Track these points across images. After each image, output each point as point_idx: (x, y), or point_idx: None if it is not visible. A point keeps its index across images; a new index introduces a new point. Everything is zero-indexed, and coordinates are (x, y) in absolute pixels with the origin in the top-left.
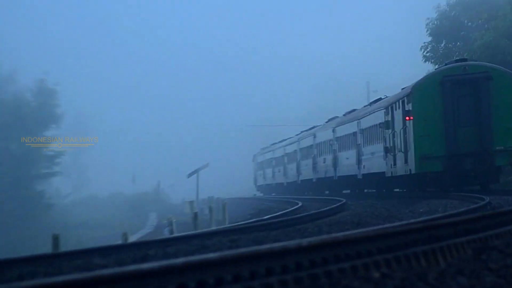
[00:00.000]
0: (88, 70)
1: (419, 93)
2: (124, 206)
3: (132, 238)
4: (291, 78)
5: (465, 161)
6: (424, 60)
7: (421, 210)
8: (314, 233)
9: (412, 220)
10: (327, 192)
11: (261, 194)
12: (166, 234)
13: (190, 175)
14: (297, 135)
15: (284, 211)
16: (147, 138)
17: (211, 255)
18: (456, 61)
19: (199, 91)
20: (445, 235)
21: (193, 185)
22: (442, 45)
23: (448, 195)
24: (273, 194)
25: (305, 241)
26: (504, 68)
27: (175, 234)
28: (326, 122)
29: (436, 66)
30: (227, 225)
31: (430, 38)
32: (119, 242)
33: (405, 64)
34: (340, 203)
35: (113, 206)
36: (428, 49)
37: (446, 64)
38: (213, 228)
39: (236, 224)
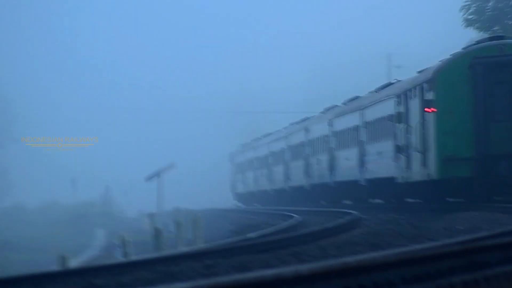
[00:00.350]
0: (19, 58)
1: (443, 78)
2: (61, 220)
3: (74, 263)
4: (285, 55)
5: (500, 164)
6: (465, 25)
7: (459, 227)
8: (316, 257)
9: (448, 241)
10: (322, 202)
11: (241, 205)
12: (118, 258)
13: (149, 178)
14: (285, 128)
15: (276, 228)
16: (95, 131)
17: (181, 286)
18: (490, 38)
19: (164, 70)
20: (492, 261)
21: (154, 192)
22: (490, 4)
23: (493, 207)
24: (255, 204)
25: (304, 268)
26: None
27: (131, 258)
28: (322, 112)
29: (481, 34)
30: (200, 245)
31: None
32: (56, 268)
33: (440, 31)
34: (351, 218)
35: (46, 220)
36: (470, 10)
37: (478, 43)
38: (182, 249)
39: (213, 244)
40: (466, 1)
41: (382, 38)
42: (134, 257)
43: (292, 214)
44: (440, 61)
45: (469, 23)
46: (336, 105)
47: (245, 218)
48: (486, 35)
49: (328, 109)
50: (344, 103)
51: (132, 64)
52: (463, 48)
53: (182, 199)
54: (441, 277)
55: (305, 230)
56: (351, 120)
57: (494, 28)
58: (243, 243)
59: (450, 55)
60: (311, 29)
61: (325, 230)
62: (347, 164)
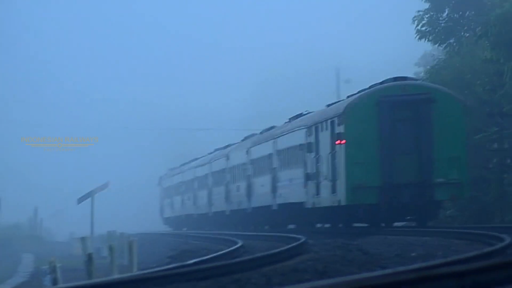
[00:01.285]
0: None
1: (353, 114)
2: None
3: None
4: (228, 70)
5: (402, 193)
6: (418, 36)
7: (413, 254)
8: (259, 285)
9: (400, 268)
10: (239, 228)
11: (171, 229)
12: (47, 285)
13: (81, 200)
14: (210, 153)
15: (216, 253)
16: (15, 151)
17: None
18: (395, 79)
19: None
20: None
21: (85, 215)
22: (445, 15)
23: (447, 232)
24: (184, 229)
25: None
26: (449, 90)
27: (60, 285)
28: (242, 140)
29: (435, 47)
30: (135, 272)
31: (427, 5)
32: None
33: (391, 44)
34: (297, 243)
35: None
36: (424, 21)
37: (383, 82)
38: (115, 276)
39: (148, 271)
40: (418, 12)
41: (330, 51)
42: (63, 285)
43: (233, 239)
44: (348, 96)
45: (422, 34)
46: (254, 134)
47: (183, 243)
48: (441, 48)
49: (247, 138)
50: (261, 132)
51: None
52: (370, 87)
53: (114, 222)
54: None
55: (248, 257)
56: (266, 149)
57: (450, 41)
58: (181, 270)
59: (359, 91)
60: (256, 42)
61: (269, 256)
62: (262, 191)
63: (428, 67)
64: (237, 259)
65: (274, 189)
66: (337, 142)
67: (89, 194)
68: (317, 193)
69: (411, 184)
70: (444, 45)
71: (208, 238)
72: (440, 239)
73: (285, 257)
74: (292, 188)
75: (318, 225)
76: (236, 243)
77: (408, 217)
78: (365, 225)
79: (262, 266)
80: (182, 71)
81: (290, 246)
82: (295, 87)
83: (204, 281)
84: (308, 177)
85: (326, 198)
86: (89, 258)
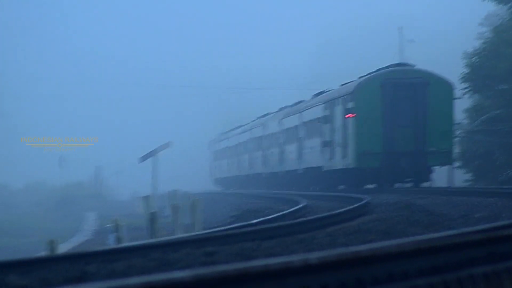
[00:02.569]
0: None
1: (361, 93)
2: (49, 202)
3: (63, 248)
4: (290, 26)
5: (401, 159)
6: None
7: (477, 215)
8: (324, 245)
9: (466, 229)
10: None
11: (220, 189)
12: (111, 243)
13: (144, 158)
14: (253, 121)
15: (280, 213)
16: (82, 107)
17: (179, 275)
18: (397, 65)
19: (163, 47)
20: None
21: (147, 174)
22: None
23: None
24: (231, 188)
25: (313, 256)
26: (441, 75)
27: (125, 244)
28: (277, 111)
29: (500, 7)
30: (199, 231)
31: None
32: (44, 253)
33: (455, 2)
34: (361, 203)
35: (32, 201)
36: None
37: (388, 67)
38: (179, 235)
39: (212, 230)
40: None
41: (393, 11)
42: (128, 243)
43: (296, 199)
44: (359, 77)
45: None
46: (286, 106)
47: (246, 203)
48: (505, 8)
49: (281, 109)
50: (291, 106)
51: (128, 39)
52: (376, 70)
53: (176, 181)
54: (460, 268)
55: (311, 217)
56: (293, 120)
57: None
58: (245, 229)
59: (367, 74)
60: (317, 1)
61: (332, 216)
62: (291, 157)
63: (493, 27)
64: (301, 219)
65: (299, 155)
66: (347, 116)
67: (152, 153)
68: (332, 157)
69: (408, 152)
70: (509, 4)
71: (270, 198)
72: (505, 201)
73: (348, 218)
74: (313, 154)
75: (368, 186)
76: (299, 203)
77: (407, 180)
78: (373, 185)
79: (326, 226)
80: (244, 32)
81: (353, 206)
82: (360, 46)
83: (268, 240)
84: (324, 144)
85: (338, 162)
86: (152, 217)
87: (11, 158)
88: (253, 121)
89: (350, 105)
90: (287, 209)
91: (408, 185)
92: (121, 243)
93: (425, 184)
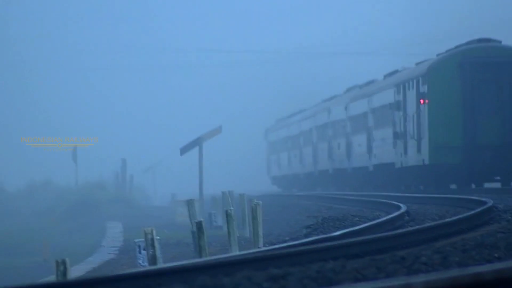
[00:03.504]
0: None
1: (435, 74)
2: (59, 208)
3: (77, 272)
4: None
5: (485, 153)
6: None
7: None
8: (433, 265)
9: None
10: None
11: (280, 190)
12: (142, 264)
13: (185, 149)
14: (317, 105)
15: (371, 222)
16: (99, 88)
17: None
18: (479, 41)
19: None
20: None
21: (187, 172)
22: None
23: None
24: (294, 190)
25: (417, 281)
26: None
27: (161, 265)
28: (344, 92)
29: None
30: (262, 247)
31: None
32: (51, 277)
33: None
34: (482, 208)
35: (36, 207)
36: None
37: (467, 44)
38: (236, 253)
39: (280, 246)
40: None
41: None
42: (165, 264)
43: (392, 202)
44: (437, 55)
45: None
46: (356, 86)
47: (326, 208)
48: None
49: (349, 90)
50: (360, 87)
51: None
52: (455, 48)
53: (225, 180)
54: None
55: (413, 227)
56: (362, 106)
57: None
58: (324, 244)
59: (443, 52)
60: None
61: (443, 226)
62: (360, 150)
63: None
64: (401, 230)
65: (369, 149)
66: (421, 102)
67: (196, 142)
68: (405, 152)
69: (494, 145)
70: None
71: (358, 201)
72: None
73: (466, 228)
74: (384, 148)
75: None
76: (397, 208)
77: (497, 178)
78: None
79: (435, 239)
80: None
81: (471, 212)
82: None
83: (356, 260)
84: (396, 136)
85: (412, 157)
86: (199, 228)
87: (5, 153)
88: (317, 105)
89: (423, 89)
90: (381, 217)
91: (496, 184)
92: (156, 264)
93: None
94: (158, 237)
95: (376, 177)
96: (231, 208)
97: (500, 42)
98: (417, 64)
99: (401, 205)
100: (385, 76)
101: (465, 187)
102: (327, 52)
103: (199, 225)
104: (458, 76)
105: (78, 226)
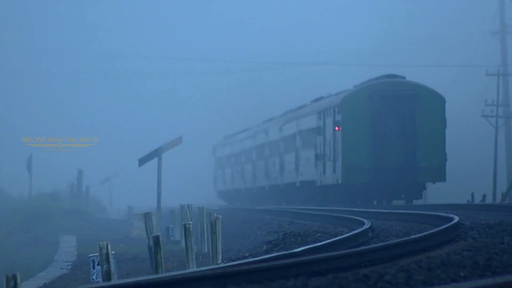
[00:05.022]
0: None
1: (348, 105)
2: (10, 219)
3: None
4: None
5: (390, 175)
6: None
7: None
8: (398, 284)
9: None
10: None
11: (225, 203)
12: (95, 281)
13: (144, 160)
14: (258, 125)
15: (333, 238)
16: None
17: None
18: (386, 76)
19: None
20: None
21: (142, 184)
22: None
23: None
24: (238, 203)
25: None
26: (431, 88)
27: (116, 281)
28: (281, 115)
29: None
30: (220, 263)
31: None
32: None
33: None
34: (448, 224)
35: None
36: None
37: (376, 79)
38: (193, 270)
39: (240, 262)
40: None
41: None
42: (120, 280)
43: (356, 218)
44: (354, 86)
45: None
46: (290, 110)
47: (284, 222)
48: None
49: (285, 113)
50: (294, 110)
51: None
52: (365, 82)
53: (176, 193)
54: None
55: (376, 244)
56: (292, 128)
57: None
58: (285, 261)
59: (354, 86)
60: None
61: (409, 243)
62: (290, 168)
63: None
64: (364, 247)
65: (297, 167)
66: (336, 128)
67: (156, 153)
68: (324, 172)
69: (398, 167)
70: None
71: (320, 216)
72: None
73: (431, 245)
74: (308, 167)
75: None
76: (361, 223)
77: (402, 196)
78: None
79: (399, 257)
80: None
81: (437, 229)
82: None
83: (318, 277)
84: (317, 157)
85: (329, 177)
86: (156, 243)
87: None
88: (257, 125)
89: (338, 117)
90: (344, 233)
91: (400, 202)
92: (111, 280)
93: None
94: (113, 252)
95: (302, 192)
96: (190, 222)
97: (404, 77)
98: (336, 94)
99: (364, 220)
100: (311, 102)
101: (380, 202)
102: (288, 62)
103: (156, 239)
104: (367, 107)
105: (31, 239)
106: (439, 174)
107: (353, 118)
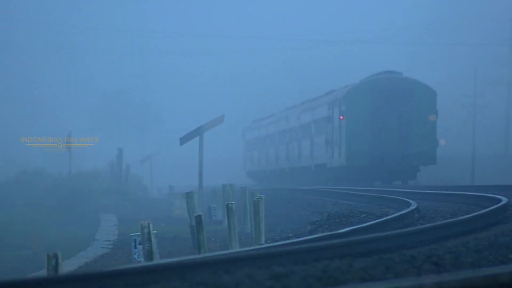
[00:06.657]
0: None
1: (351, 98)
2: (51, 198)
3: (69, 266)
4: None
5: (388, 159)
6: None
7: None
8: (445, 266)
9: None
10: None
11: (254, 182)
12: (137, 260)
13: (185, 139)
14: (281, 112)
15: (379, 219)
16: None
17: None
18: (385, 72)
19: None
20: None
21: (184, 163)
22: None
23: None
24: (264, 183)
25: (428, 281)
26: (425, 83)
27: (157, 261)
28: (300, 104)
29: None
30: (263, 244)
31: None
32: (41, 272)
33: None
34: (497, 205)
35: (27, 197)
36: None
37: (377, 75)
38: (236, 249)
39: (283, 242)
40: None
41: None
42: (162, 260)
43: (402, 199)
44: (360, 81)
45: None
46: (308, 100)
47: (328, 202)
48: None
49: (304, 102)
50: (313, 100)
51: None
52: (367, 78)
53: (218, 176)
54: None
55: (424, 225)
56: (308, 116)
57: None
58: (329, 242)
59: (358, 81)
60: None
61: (456, 224)
62: (306, 153)
63: None
64: (410, 228)
65: (312, 152)
66: (341, 117)
67: (197, 131)
68: (332, 156)
69: (395, 152)
70: None
71: (366, 197)
72: None
73: (479, 227)
74: (320, 151)
75: None
76: (407, 204)
77: (397, 178)
78: None
79: (447, 238)
80: None
81: (485, 210)
82: None
83: (363, 258)
84: (327, 143)
85: (336, 160)
86: (198, 223)
87: None
88: (280, 112)
89: (343, 108)
90: (390, 214)
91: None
92: (153, 259)
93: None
94: (155, 231)
95: (316, 174)
96: (232, 201)
97: (401, 74)
98: (343, 87)
99: (410, 201)
100: (325, 94)
101: (387, 183)
102: (336, 40)
103: (198, 219)
104: (368, 100)
105: (71, 217)
106: (431, 158)
107: (356, 108)
